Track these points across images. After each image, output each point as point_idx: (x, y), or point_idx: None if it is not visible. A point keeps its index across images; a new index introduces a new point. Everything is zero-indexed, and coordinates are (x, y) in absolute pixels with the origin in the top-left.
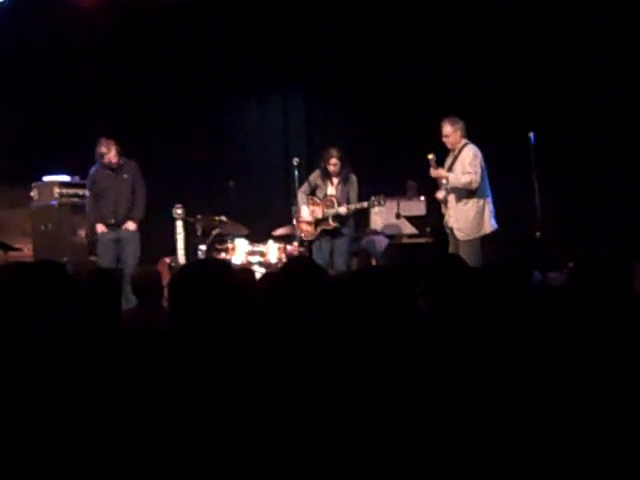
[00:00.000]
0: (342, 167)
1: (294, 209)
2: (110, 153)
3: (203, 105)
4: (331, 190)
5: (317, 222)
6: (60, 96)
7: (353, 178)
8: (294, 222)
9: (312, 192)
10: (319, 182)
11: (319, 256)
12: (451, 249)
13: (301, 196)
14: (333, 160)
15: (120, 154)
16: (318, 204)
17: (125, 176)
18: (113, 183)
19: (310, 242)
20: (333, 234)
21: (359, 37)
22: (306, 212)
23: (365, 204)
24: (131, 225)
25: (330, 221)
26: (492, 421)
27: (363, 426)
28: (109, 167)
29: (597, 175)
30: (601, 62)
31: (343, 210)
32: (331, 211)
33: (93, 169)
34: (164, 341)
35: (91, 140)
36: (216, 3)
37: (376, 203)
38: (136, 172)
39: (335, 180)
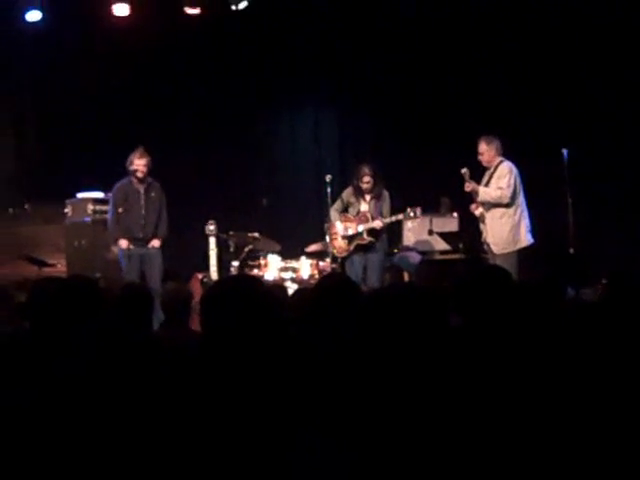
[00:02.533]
0: (375, 184)
1: (326, 226)
2: (141, 160)
3: (236, 122)
4: (364, 207)
5: (351, 238)
6: (94, 113)
7: (385, 194)
8: (327, 239)
9: (345, 209)
10: (352, 199)
11: (352, 272)
12: None
13: (334, 214)
14: (366, 178)
15: (149, 169)
16: (352, 220)
17: (153, 194)
18: (143, 199)
19: (343, 258)
20: (366, 249)
21: (392, 53)
22: (340, 227)
23: (400, 216)
24: (157, 242)
25: (365, 235)
26: (526, 439)
27: (394, 440)
28: (138, 182)
29: (630, 191)
30: (635, 79)
31: (378, 224)
32: (366, 226)
33: (120, 184)
34: (196, 357)
35: (125, 157)
36: (248, 18)
37: (412, 214)
38: (162, 194)
39: (368, 197)
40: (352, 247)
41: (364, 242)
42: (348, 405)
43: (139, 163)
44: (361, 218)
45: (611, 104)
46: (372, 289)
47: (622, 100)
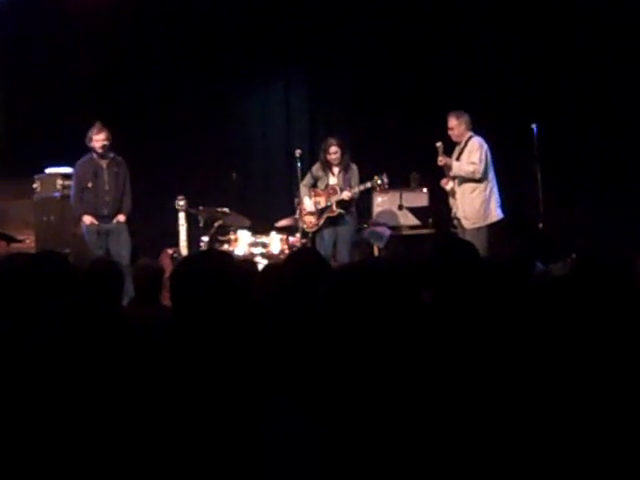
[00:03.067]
0: (342, 156)
1: (296, 201)
2: (99, 135)
3: (206, 96)
4: (333, 180)
5: (321, 211)
6: (62, 87)
7: (353, 167)
8: (297, 214)
9: (314, 184)
10: (320, 173)
11: (321, 247)
12: None
13: (303, 189)
14: (333, 148)
15: (109, 143)
16: (321, 195)
17: (116, 169)
18: (106, 175)
19: (313, 233)
20: (336, 222)
21: (362, 27)
22: (309, 203)
23: (368, 184)
24: (122, 217)
25: (334, 207)
26: (493, 417)
27: (362, 418)
28: (99, 157)
29: (599, 166)
30: (604, 53)
31: (347, 194)
32: (335, 197)
33: (82, 161)
34: (166, 332)
35: None
36: None
37: (379, 182)
38: (125, 168)
39: (336, 170)
40: (322, 220)
41: (334, 214)
42: (319, 380)
43: (98, 138)
44: (330, 192)
45: (581, 79)
46: (341, 264)
47: (592, 75)
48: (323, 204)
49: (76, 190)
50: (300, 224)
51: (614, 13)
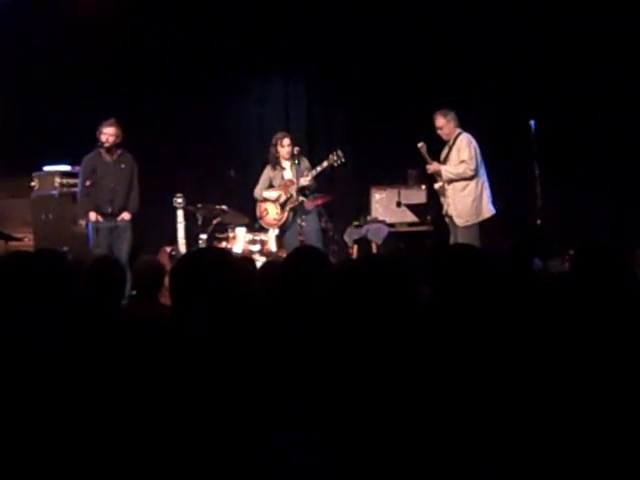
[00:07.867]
0: (293, 148)
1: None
2: (107, 129)
3: (204, 94)
4: (287, 174)
5: (282, 205)
6: (60, 85)
7: (303, 158)
8: (259, 221)
9: (270, 186)
10: (272, 174)
11: (290, 240)
12: (452, 239)
13: (258, 192)
14: (286, 140)
15: (118, 139)
16: (278, 191)
17: (123, 166)
18: (111, 172)
19: (282, 232)
20: (300, 213)
21: (360, 26)
22: (271, 193)
23: (325, 163)
24: (127, 215)
25: (294, 196)
26: (495, 413)
27: (363, 419)
28: (106, 152)
29: (597, 163)
30: (601, 50)
31: (305, 179)
32: (293, 187)
33: (88, 156)
34: (166, 330)
35: (92, 130)
36: None
37: (335, 158)
38: (133, 164)
39: (286, 164)
40: (286, 213)
41: (295, 203)
42: (321, 379)
43: (105, 131)
44: (287, 184)
45: (579, 76)
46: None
47: (590, 71)
48: (284, 197)
49: (82, 186)
50: (263, 225)
51: (613, 9)
